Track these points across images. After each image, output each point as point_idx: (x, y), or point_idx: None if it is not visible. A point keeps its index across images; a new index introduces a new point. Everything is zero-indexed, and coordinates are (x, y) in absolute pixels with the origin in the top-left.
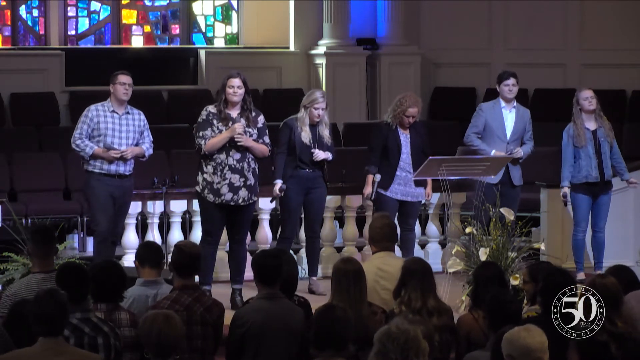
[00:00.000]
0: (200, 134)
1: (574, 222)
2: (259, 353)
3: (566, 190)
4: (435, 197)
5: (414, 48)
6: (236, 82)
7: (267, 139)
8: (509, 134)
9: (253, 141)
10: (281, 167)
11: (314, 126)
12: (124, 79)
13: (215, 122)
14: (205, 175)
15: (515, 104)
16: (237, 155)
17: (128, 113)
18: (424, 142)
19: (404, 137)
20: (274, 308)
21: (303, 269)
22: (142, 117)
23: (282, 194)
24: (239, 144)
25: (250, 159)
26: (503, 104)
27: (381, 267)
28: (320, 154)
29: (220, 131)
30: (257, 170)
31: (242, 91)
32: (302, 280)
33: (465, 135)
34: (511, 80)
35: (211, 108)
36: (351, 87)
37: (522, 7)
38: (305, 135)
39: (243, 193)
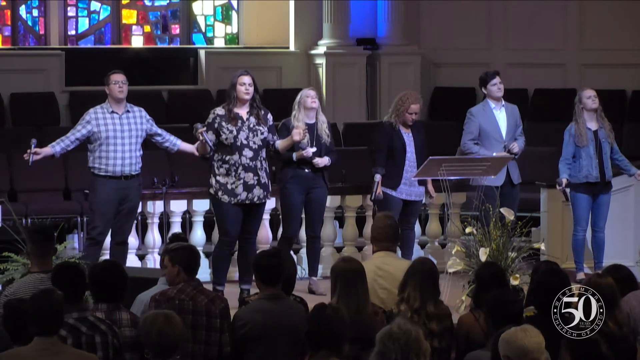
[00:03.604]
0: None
1: (574, 222)
2: (262, 353)
3: (564, 180)
4: (435, 197)
5: (414, 48)
6: (247, 79)
7: (276, 137)
8: (504, 133)
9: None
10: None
11: (311, 125)
12: (117, 77)
13: (223, 123)
14: (218, 178)
15: (503, 102)
16: (250, 154)
17: (128, 111)
18: (425, 141)
19: (407, 137)
20: (276, 308)
21: (303, 269)
22: (144, 113)
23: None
24: (316, 164)
25: (262, 158)
26: (492, 104)
27: (380, 267)
28: (319, 161)
29: (231, 132)
30: (268, 169)
31: (252, 89)
32: (302, 280)
33: (462, 143)
34: (497, 79)
35: (219, 110)
36: (351, 87)
37: (522, 7)
38: None
39: (257, 191)
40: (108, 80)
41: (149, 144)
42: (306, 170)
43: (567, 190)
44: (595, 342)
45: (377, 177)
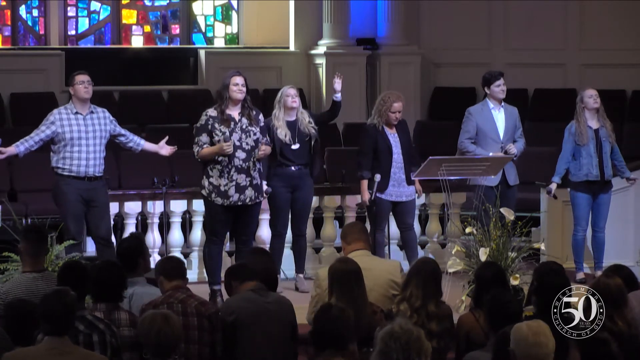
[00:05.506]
0: (196, 139)
1: (574, 222)
2: (250, 342)
3: (554, 185)
4: (435, 197)
5: (414, 48)
6: (240, 80)
7: (266, 139)
8: (501, 134)
9: (265, 147)
10: (264, 167)
11: (292, 122)
12: (83, 77)
13: (216, 125)
14: (211, 180)
15: (503, 103)
16: (243, 155)
17: (92, 112)
18: (410, 140)
19: (393, 137)
20: (262, 298)
21: (283, 272)
22: (107, 114)
23: (267, 196)
24: (260, 154)
25: (254, 159)
26: (491, 104)
27: (362, 267)
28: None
29: (223, 133)
30: (261, 169)
31: (245, 89)
32: (290, 280)
33: (459, 142)
34: (501, 81)
35: (211, 112)
36: (351, 87)
37: (522, 7)
38: (282, 132)
39: (250, 192)
40: (73, 81)
41: None
42: (291, 168)
43: (553, 192)
44: (605, 340)
45: (377, 177)
